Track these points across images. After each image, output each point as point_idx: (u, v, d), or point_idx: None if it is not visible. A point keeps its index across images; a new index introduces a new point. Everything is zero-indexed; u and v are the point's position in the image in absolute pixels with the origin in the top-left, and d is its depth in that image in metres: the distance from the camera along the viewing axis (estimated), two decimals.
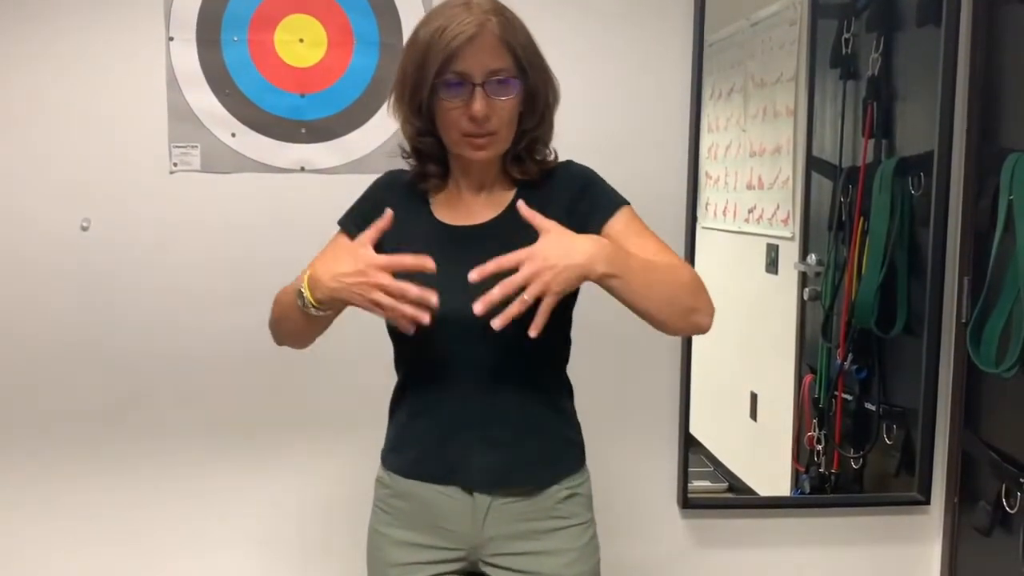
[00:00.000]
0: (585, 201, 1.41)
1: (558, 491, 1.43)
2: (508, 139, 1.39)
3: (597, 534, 1.49)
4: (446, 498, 1.41)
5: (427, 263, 1.26)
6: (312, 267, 1.36)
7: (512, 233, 1.35)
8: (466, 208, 1.44)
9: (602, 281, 1.25)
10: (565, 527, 1.43)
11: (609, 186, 1.45)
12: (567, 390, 1.49)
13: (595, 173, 1.46)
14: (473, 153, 1.38)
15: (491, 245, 1.33)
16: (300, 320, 1.38)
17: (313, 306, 1.33)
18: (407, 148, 1.46)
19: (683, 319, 1.33)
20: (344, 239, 1.47)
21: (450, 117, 1.35)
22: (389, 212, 1.34)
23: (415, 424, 1.44)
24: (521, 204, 1.28)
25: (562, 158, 1.48)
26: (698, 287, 1.34)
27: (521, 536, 1.41)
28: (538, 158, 1.44)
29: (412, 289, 1.25)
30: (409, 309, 1.25)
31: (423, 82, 1.33)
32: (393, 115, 1.43)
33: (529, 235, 1.31)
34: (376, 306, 1.27)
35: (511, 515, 1.41)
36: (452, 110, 1.34)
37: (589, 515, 1.47)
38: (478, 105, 1.32)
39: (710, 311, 1.34)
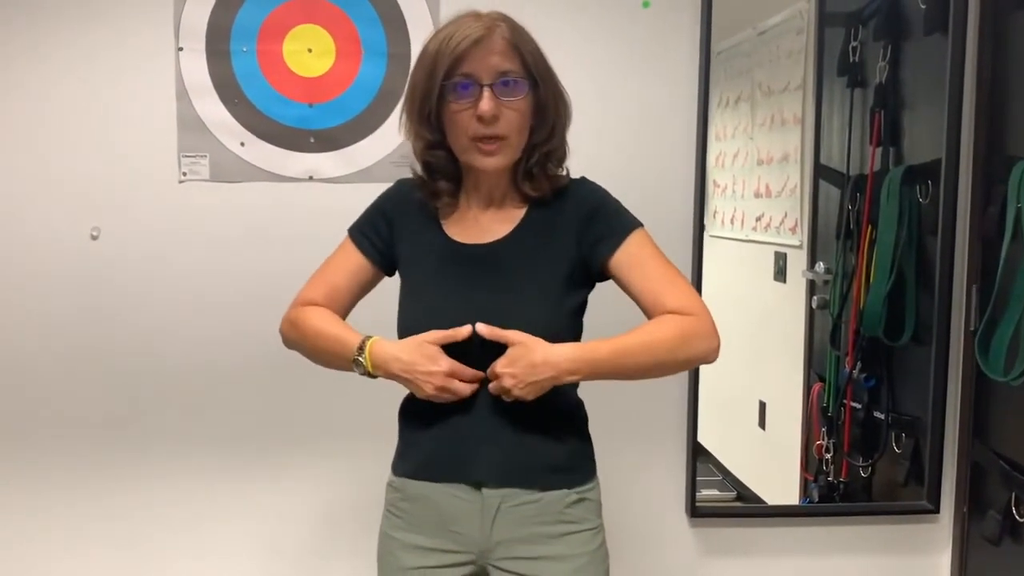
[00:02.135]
0: (595, 226, 1.41)
1: (567, 495, 1.42)
2: (518, 148, 1.39)
3: (606, 541, 1.48)
4: (455, 499, 1.41)
5: (477, 375, 1.37)
6: (377, 351, 1.38)
7: (520, 254, 1.39)
8: (476, 224, 1.44)
9: (576, 379, 1.36)
10: (574, 532, 1.42)
11: (621, 207, 1.45)
12: (578, 402, 1.48)
13: (607, 194, 1.46)
14: (483, 160, 1.37)
15: (500, 266, 1.40)
16: (336, 367, 1.46)
17: (369, 375, 1.40)
18: (418, 169, 1.46)
19: (678, 369, 1.43)
20: (353, 251, 1.50)
21: (458, 121, 1.35)
22: (468, 328, 1.35)
23: (425, 433, 1.44)
24: (480, 326, 1.34)
25: (571, 167, 1.47)
26: (686, 337, 1.36)
27: (530, 540, 1.41)
28: (550, 175, 1.43)
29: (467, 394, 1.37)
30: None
31: (432, 88, 1.34)
32: (404, 134, 1.43)
33: (538, 255, 1.38)
34: (431, 397, 1.37)
35: (520, 518, 1.40)
36: (459, 112, 1.34)
37: (598, 521, 1.47)
38: (485, 104, 1.32)
39: (708, 349, 1.37)
